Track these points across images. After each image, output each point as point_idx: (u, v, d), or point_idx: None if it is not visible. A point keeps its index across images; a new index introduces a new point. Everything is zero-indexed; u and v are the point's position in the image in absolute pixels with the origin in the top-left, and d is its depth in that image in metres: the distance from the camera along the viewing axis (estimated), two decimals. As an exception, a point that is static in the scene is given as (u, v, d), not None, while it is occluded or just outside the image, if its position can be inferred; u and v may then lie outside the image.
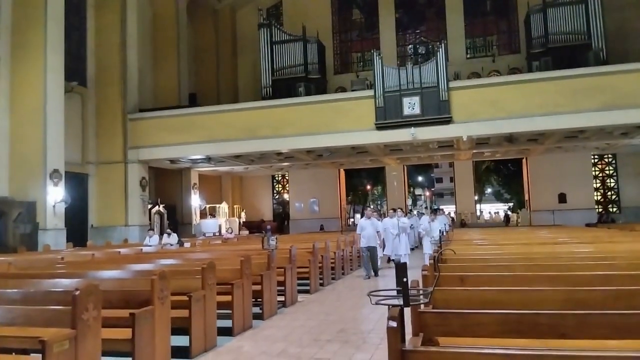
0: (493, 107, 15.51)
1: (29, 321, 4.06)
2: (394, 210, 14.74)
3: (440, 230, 10.52)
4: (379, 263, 12.93)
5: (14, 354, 4.46)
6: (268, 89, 20.64)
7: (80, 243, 15.38)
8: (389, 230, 13.49)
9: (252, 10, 24.65)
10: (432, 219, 13.23)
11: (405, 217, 15.81)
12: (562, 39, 18.82)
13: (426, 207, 30.64)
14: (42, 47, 14.74)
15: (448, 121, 15.85)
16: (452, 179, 30.44)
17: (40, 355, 3.55)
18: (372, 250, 11.71)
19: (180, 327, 5.34)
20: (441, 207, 32.01)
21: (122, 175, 18.14)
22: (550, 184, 22.62)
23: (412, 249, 15.82)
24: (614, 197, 24.04)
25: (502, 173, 33.11)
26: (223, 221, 22.71)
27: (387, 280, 11.17)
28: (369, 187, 31.41)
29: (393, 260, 14.10)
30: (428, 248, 12.49)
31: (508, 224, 27.08)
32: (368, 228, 11.72)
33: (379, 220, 13.35)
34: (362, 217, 12.40)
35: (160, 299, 4.82)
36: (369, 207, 12.94)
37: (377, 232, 11.98)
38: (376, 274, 11.82)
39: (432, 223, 12.92)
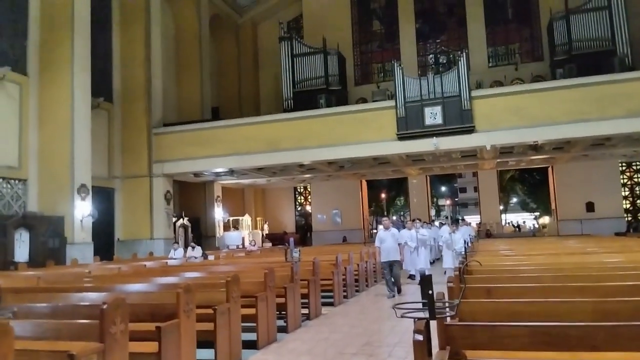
0: (516, 115, 15.33)
1: (57, 335, 4.12)
2: (413, 221, 14.17)
3: (465, 241, 10.24)
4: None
5: (43, 367, 4.52)
6: (289, 101, 20.78)
7: (106, 257, 15.62)
8: (407, 243, 12.90)
9: (273, 24, 24.95)
10: (454, 230, 12.46)
11: (425, 228, 15.11)
12: (586, 45, 18.52)
13: (446, 217, 29.77)
14: (69, 65, 15.14)
15: (471, 130, 15.70)
16: (476, 189, 30.11)
17: (69, 368, 3.60)
18: (393, 265, 10.50)
19: (206, 340, 5.36)
20: (464, 217, 31.49)
21: (147, 189, 18.41)
22: (578, 192, 22.17)
23: (431, 263, 15.12)
24: (643, 205, 23.48)
25: (527, 182, 32.58)
26: (246, 234, 22.84)
27: (411, 298, 10.71)
28: (383, 195, 30.99)
29: (413, 275, 13.56)
30: (449, 262, 11.86)
31: (519, 231, 26.44)
32: (388, 240, 10.53)
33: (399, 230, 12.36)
34: (380, 228, 11.07)
35: (186, 312, 4.85)
36: (387, 217, 11.85)
37: (399, 244, 10.73)
38: (399, 291, 10.68)
39: (454, 234, 12.21)
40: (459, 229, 13.07)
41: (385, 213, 29.43)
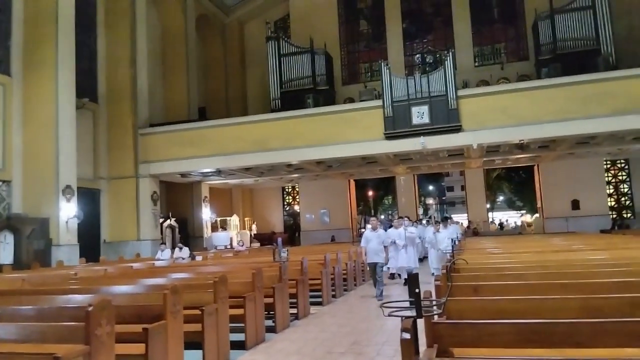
0: (503, 114, 15.45)
1: (43, 338, 4.07)
2: (400, 218, 13.88)
3: (452, 239, 10.27)
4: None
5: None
6: (277, 101, 20.75)
7: (93, 258, 15.46)
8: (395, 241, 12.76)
9: (259, 24, 24.88)
10: (438, 229, 12.08)
11: (413, 226, 14.85)
12: (571, 45, 18.72)
13: (430, 217, 28.47)
14: (53, 64, 14.95)
15: (458, 130, 15.80)
16: (463, 188, 30.27)
17: (54, 371, 3.56)
18: (374, 267, 10.27)
19: (194, 342, 5.33)
20: (452, 215, 31.55)
21: (134, 190, 18.25)
22: (563, 190, 22.39)
23: (420, 260, 14.97)
24: (627, 202, 23.78)
25: (513, 181, 32.84)
26: (234, 234, 22.75)
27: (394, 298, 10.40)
28: (371, 194, 30.84)
29: (393, 275, 13.40)
30: (434, 261, 11.75)
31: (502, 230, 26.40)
32: (373, 241, 10.24)
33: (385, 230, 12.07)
34: (368, 227, 10.66)
35: (173, 314, 4.82)
36: (375, 217, 11.81)
37: (385, 246, 10.58)
38: (380, 295, 10.08)
39: (438, 234, 11.89)
40: (446, 227, 12.80)
41: (373, 212, 29.42)
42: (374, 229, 10.42)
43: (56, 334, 4.01)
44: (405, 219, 13.86)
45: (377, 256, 10.20)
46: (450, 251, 8.48)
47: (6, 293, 6.24)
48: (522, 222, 29.19)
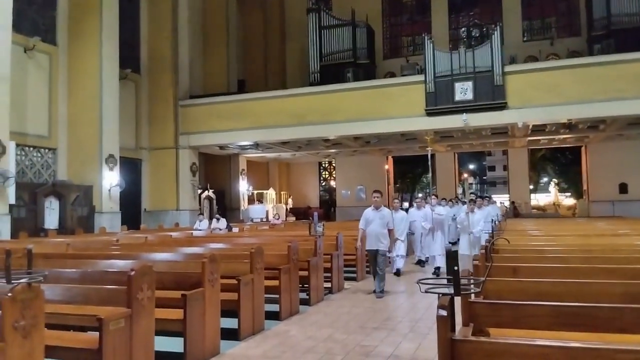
0: (551, 92, 14.86)
1: (86, 300, 4.23)
2: (426, 198, 12.09)
3: (492, 219, 9.51)
4: (400, 266, 10.43)
5: (72, 330, 4.66)
6: (316, 74, 20.57)
7: (134, 226, 15.95)
8: (419, 223, 11.26)
9: (301, -4, 24.61)
10: (472, 209, 9.66)
11: (443, 206, 13.31)
12: (626, 20, 17.78)
13: (462, 193, 23.67)
14: (97, 35, 15.25)
15: (502, 107, 15.31)
16: (505, 167, 29.55)
17: (97, 332, 3.70)
18: (374, 256, 8.18)
19: (230, 310, 5.44)
20: (491, 195, 30.69)
21: (174, 161, 18.62)
22: (611, 173, 21.54)
23: (452, 244, 12.69)
24: (679, 187, 22.71)
25: (559, 162, 31.81)
26: (270, 207, 23.01)
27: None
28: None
29: (422, 262, 11.92)
30: (465, 248, 9.39)
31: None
32: (375, 222, 8.22)
33: (395, 212, 10.21)
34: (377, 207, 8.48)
35: (211, 282, 4.92)
36: (378, 191, 8.89)
37: (389, 229, 8.26)
38: (381, 291, 8.08)
39: (473, 215, 9.54)
40: (480, 208, 10.24)
41: (412, 190, 29.01)
42: (376, 207, 8.35)
43: (99, 296, 4.16)
44: (433, 197, 11.68)
45: (379, 242, 8.12)
46: (487, 235, 7.44)
47: (52, 256, 6.51)
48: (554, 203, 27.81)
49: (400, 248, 10.43)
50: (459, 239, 10.51)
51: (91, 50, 15.28)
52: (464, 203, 13.32)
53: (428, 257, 11.79)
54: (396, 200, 8.97)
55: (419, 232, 11.66)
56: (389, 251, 8.38)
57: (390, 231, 8.24)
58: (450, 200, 17.07)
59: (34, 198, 13.29)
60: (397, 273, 10.47)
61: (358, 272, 9.85)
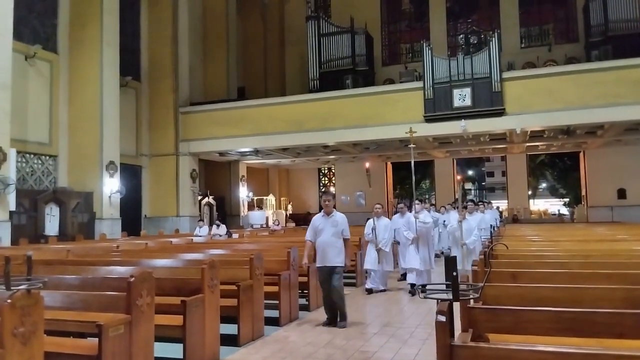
0: (549, 98, 14.93)
1: (86, 306, 4.23)
2: (410, 204, 9.97)
3: (491, 225, 9.36)
4: (413, 280, 8.76)
5: (71, 337, 4.66)
6: (315, 81, 20.64)
7: (134, 232, 15.94)
8: (400, 232, 9.22)
9: (300, 3, 24.72)
10: (464, 217, 8.23)
11: (430, 212, 11.84)
12: (623, 27, 17.89)
13: (455, 200, 22.90)
14: (98, 43, 15.31)
15: (501, 113, 15.36)
16: (504, 173, 29.58)
17: (96, 339, 3.71)
18: (327, 275, 6.47)
19: (229, 316, 5.45)
20: (491, 200, 30.55)
21: (174, 168, 18.65)
22: (609, 178, 21.57)
23: (437, 256, 11.57)
24: (678, 192, 22.72)
25: (557, 167, 31.82)
26: (270, 213, 23.00)
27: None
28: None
29: (405, 275, 9.66)
30: (457, 261, 7.99)
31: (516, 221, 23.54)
32: (326, 231, 6.57)
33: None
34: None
35: (210, 288, 4.93)
36: (328, 192, 8.08)
37: (345, 239, 6.62)
38: (342, 318, 6.46)
39: (465, 222, 8.23)
40: (473, 214, 9.05)
41: (410, 196, 28.95)
42: (327, 213, 6.66)
43: (99, 302, 4.16)
44: (418, 203, 9.30)
45: (334, 255, 6.44)
46: (481, 246, 6.67)
47: (52, 263, 6.51)
48: (569, 210, 27.76)
49: (415, 260, 8.86)
50: (449, 248, 9.60)
51: (92, 58, 15.34)
52: (455, 209, 11.96)
53: (406, 272, 9.53)
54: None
55: (404, 242, 9.27)
56: (345, 266, 6.56)
57: (345, 241, 6.56)
58: (443, 206, 16.76)
59: (34, 205, 13.31)
60: (412, 291, 8.75)
61: (357, 277, 9.86)
